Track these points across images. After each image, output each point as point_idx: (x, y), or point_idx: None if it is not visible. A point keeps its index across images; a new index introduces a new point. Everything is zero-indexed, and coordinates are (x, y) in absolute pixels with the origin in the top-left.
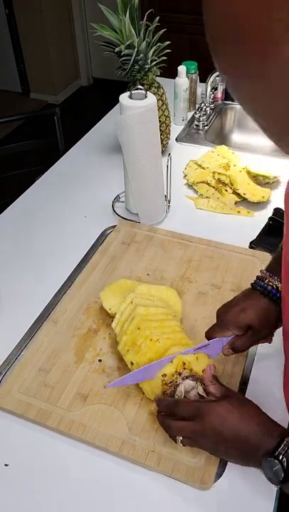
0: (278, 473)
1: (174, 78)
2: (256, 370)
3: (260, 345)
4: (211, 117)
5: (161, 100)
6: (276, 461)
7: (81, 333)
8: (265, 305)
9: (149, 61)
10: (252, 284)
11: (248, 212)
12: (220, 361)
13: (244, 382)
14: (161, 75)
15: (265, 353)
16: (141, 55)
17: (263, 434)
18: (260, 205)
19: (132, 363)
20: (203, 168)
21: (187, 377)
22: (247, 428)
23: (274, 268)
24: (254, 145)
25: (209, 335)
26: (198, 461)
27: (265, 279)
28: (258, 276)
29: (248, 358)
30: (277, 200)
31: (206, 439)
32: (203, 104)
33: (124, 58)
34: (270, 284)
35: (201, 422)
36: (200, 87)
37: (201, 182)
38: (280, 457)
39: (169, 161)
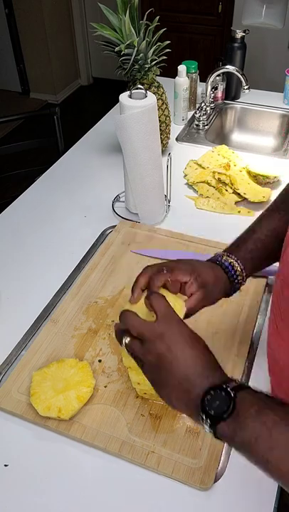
0: (222, 406)
1: (174, 78)
2: (256, 369)
3: (260, 346)
4: (211, 117)
5: (161, 100)
6: (223, 393)
7: (81, 333)
8: (220, 273)
9: (149, 61)
10: (210, 258)
11: (249, 212)
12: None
13: (245, 382)
14: (161, 75)
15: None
16: (141, 55)
17: (210, 369)
18: (260, 205)
19: (138, 383)
20: (204, 168)
21: None
22: (198, 357)
23: (232, 249)
24: (254, 145)
25: (170, 269)
26: (198, 461)
27: (223, 256)
28: (215, 254)
29: (248, 358)
30: None
31: (151, 355)
32: (203, 104)
33: (124, 58)
34: (228, 260)
35: (153, 341)
36: (200, 87)
37: (201, 182)
38: (229, 389)
39: (169, 161)
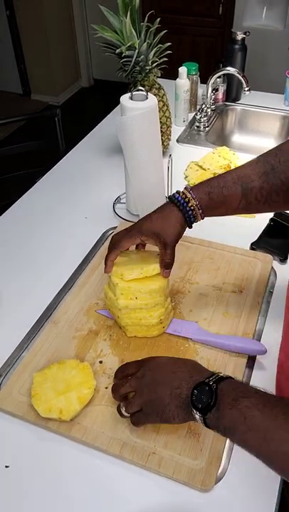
0: (206, 398)
1: (175, 79)
2: (257, 369)
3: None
4: (211, 118)
5: (162, 101)
6: (206, 387)
7: (82, 334)
8: (169, 212)
9: (149, 62)
10: (169, 196)
11: None
12: (220, 364)
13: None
14: (162, 76)
15: (266, 354)
16: (142, 57)
17: (194, 371)
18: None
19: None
20: (204, 169)
21: None
22: (180, 366)
23: (196, 184)
24: (255, 146)
25: (116, 240)
26: (199, 463)
27: (181, 192)
28: (178, 191)
29: (249, 359)
30: None
31: (141, 387)
32: (204, 106)
33: (125, 59)
34: (184, 194)
35: (142, 370)
36: (201, 88)
37: None
38: (211, 383)
39: (169, 162)
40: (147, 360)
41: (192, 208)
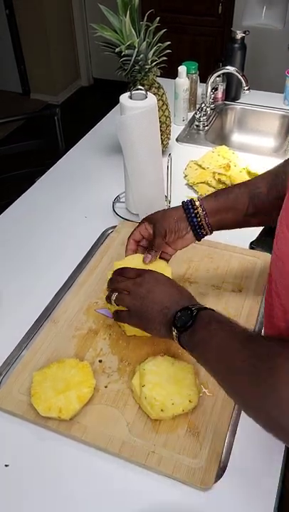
0: (186, 320)
1: (175, 78)
2: None
3: None
4: (211, 117)
5: (162, 100)
6: (188, 311)
7: (81, 333)
8: (175, 211)
9: (149, 61)
10: (183, 202)
11: None
12: None
13: None
14: (161, 76)
15: None
16: (141, 56)
17: (185, 299)
18: None
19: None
20: (204, 169)
21: None
22: (175, 292)
23: (206, 197)
24: (254, 145)
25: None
26: (199, 461)
27: (192, 199)
28: (192, 201)
29: None
30: None
31: (137, 293)
32: (203, 105)
33: (124, 59)
34: (192, 203)
35: (141, 278)
36: (200, 88)
37: (202, 182)
38: (193, 309)
39: (169, 162)
40: (149, 272)
41: (195, 207)
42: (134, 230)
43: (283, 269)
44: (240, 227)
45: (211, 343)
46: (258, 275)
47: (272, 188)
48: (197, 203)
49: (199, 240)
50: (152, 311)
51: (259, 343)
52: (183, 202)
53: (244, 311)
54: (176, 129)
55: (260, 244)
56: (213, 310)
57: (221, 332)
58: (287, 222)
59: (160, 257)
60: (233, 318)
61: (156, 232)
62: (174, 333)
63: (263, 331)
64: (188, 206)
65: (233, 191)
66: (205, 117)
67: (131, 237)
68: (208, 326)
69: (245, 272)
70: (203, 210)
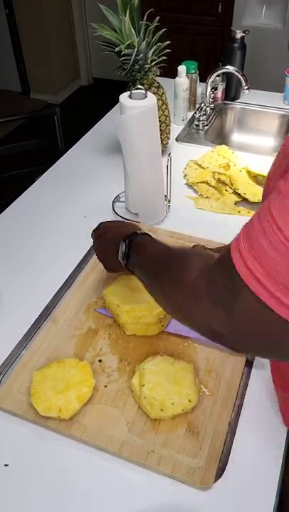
0: (124, 251)
1: (174, 78)
2: (256, 368)
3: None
4: (211, 117)
5: (161, 100)
6: (127, 241)
7: (81, 333)
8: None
9: (149, 61)
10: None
11: (248, 212)
12: (219, 363)
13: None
14: (161, 75)
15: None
16: (141, 55)
17: (127, 232)
18: (260, 205)
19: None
20: (203, 168)
21: None
22: (120, 228)
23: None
24: (254, 145)
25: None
26: (199, 461)
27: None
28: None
29: (248, 358)
30: None
31: (96, 239)
32: (203, 104)
33: (124, 58)
34: None
35: (102, 230)
36: (200, 87)
37: (201, 182)
38: (127, 240)
39: (169, 161)
40: (104, 225)
41: None
42: None
43: None
44: None
45: (142, 261)
46: None
47: None
48: None
49: None
50: (108, 249)
51: (178, 248)
52: None
53: None
54: (176, 128)
55: None
56: (146, 234)
57: (150, 248)
58: None
59: None
60: None
61: None
62: (122, 262)
63: None
64: None
65: None
66: (205, 117)
67: None
68: (141, 249)
69: None
70: None
